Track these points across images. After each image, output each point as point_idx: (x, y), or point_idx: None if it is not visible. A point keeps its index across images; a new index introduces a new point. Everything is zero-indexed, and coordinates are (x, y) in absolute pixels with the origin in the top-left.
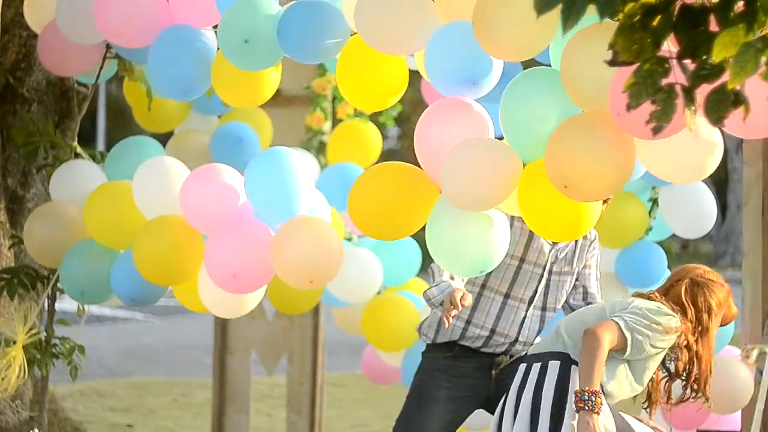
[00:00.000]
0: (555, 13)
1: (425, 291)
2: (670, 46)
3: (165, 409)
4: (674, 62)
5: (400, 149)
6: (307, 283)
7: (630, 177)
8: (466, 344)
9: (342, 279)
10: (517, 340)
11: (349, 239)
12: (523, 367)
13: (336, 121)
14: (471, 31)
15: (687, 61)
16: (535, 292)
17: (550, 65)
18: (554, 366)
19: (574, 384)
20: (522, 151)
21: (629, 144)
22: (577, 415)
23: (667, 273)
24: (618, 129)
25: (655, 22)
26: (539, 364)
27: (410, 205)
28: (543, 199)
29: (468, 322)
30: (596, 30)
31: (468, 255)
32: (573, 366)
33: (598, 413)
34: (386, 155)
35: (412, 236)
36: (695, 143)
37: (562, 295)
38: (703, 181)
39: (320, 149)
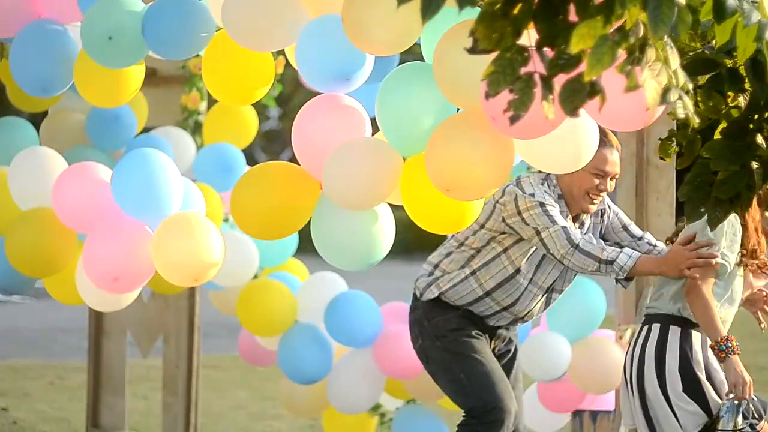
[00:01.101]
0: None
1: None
2: (530, 35)
3: (40, 392)
4: (534, 51)
5: (281, 130)
6: (192, 281)
7: (510, 171)
8: (473, 311)
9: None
10: (522, 319)
11: (226, 220)
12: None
13: (212, 101)
14: (340, 25)
15: (547, 50)
16: (556, 278)
17: None
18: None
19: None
20: (401, 147)
21: (508, 141)
22: (720, 365)
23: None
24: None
25: (515, 11)
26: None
27: (292, 206)
28: (425, 194)
29: (488, 294)
30: (468, 27)
31: (354, 250)
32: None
33: (738, 354)
34: (267, 136)
35: None
36: (572, 134)
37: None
38: None
39: (196, 129)
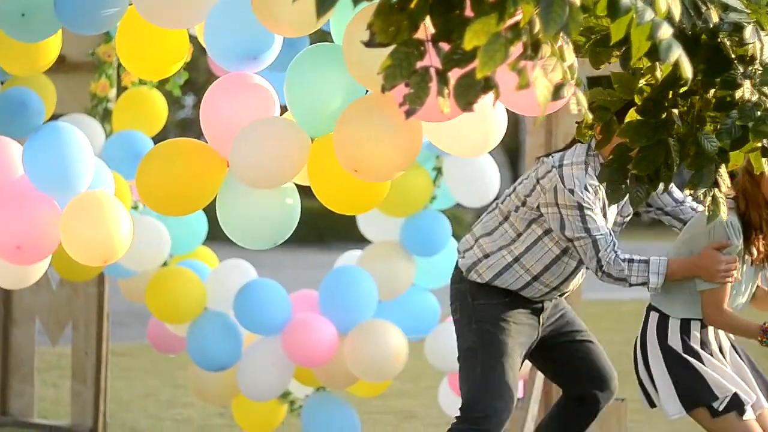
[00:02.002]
0: None
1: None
2: (427, 29)
3: None
4: (430, 45)
5: (196, 118)
6: (101, 262)
7: (418, 154)
8: (522, 295)
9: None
10: (564, 293)
11: (135, 207)
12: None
13: (121, 89)
14: (249, 4)
15: (443, 45)
16: None
17: None
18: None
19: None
20: (309, 127)
21: (416, 123)
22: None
23: (451, 241)
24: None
25: (412, 5)
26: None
27: (198, 181)
28: (333, 174)
29: (535, 278)
30: None
31: (258, 229)
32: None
33: None
34: (182, 124)
35: None
36: (480, 118)
37: None
38: (496, 150)
39: (105, 116)
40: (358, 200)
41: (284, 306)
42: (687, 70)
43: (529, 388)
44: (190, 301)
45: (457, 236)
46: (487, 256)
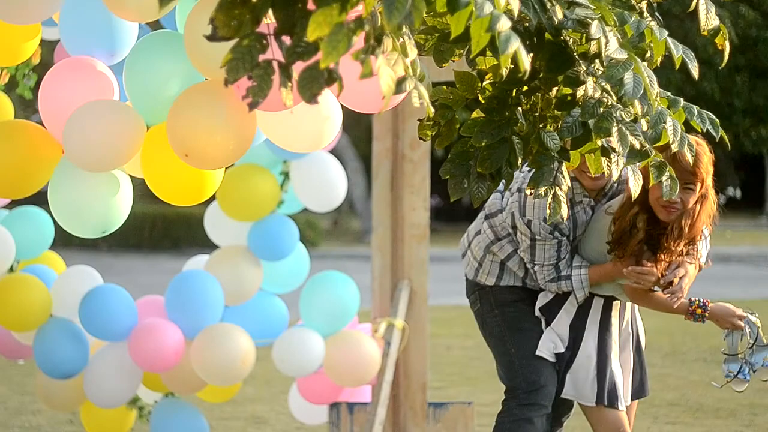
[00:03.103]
0: None
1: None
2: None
3: None
4: (272, 39)
5: None
6: None
7: (251, 144)
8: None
9: None
10: None
11: None
12: None
13: None
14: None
15: (285, 38)
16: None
17: None
18: None
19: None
20: (146, 114)
21: (249, 115)
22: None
23: (299, 246)
24: (238, 98)
25: None
26: None
27: (32, 164)
28: (165, 163)
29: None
30: None
31: (89, 216)
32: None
33: (708, 302)
34: None
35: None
36: (314, 113)
37: None
38: (350, 156)
39: None
40: (190, 190)
41: (130, 312)
42: (525, 62)
43: (376, 393)
44: (35, 308)
45: (313, 241)
46: (479, 262)
